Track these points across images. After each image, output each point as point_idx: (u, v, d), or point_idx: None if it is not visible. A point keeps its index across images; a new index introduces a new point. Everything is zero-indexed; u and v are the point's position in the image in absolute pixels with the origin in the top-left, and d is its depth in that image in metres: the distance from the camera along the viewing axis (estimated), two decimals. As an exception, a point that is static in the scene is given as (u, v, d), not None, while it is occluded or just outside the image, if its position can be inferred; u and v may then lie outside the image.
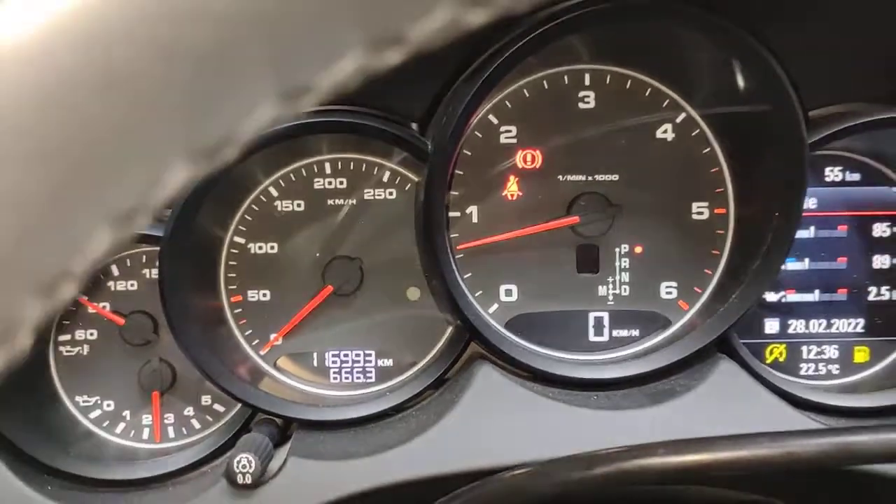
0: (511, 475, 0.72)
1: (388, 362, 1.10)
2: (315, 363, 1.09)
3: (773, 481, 0.94)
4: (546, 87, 1.06)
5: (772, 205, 1.01)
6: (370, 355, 1.09)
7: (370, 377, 1.09)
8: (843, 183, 1.10)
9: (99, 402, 1.04)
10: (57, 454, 0.95)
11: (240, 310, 1.08)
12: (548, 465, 0.70)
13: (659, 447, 0.66)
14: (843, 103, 1.00)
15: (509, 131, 1.07)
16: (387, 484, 0.90)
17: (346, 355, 1.10)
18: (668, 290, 1.09)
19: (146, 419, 1.05)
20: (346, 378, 1.10)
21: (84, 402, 1.04)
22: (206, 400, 1.06)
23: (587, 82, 1.06)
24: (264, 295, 1.08)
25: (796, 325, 1.12)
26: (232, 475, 0.87)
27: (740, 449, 0.64)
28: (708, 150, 1.07)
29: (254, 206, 1.07)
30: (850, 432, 0.63)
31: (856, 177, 1.10)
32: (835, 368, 1.12)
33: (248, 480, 0.87)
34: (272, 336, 1.08)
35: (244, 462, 0.86)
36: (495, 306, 1.08)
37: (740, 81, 1.00)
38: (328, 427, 1.01)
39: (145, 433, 1.05)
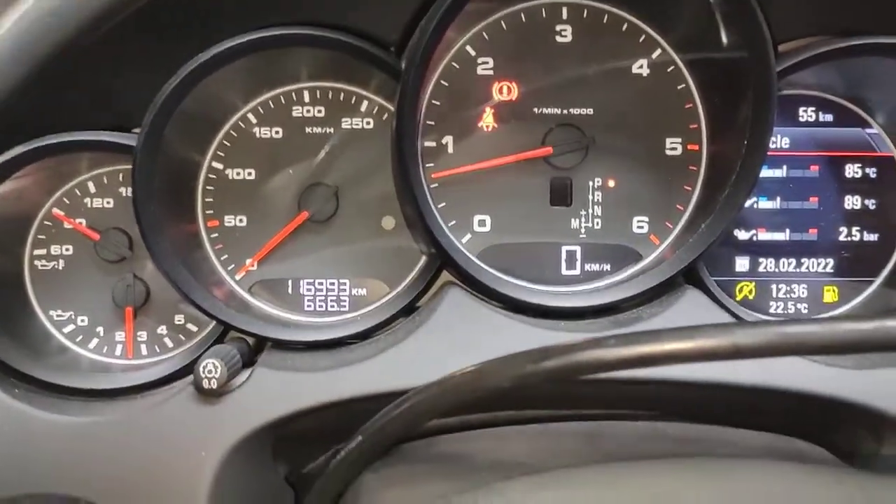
0: (466, 371, 0.73)
1: (362, 291, 1.11)
2: (290, 290, 1.10)
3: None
4: (523, 19, 1.07)
5: (742, 141, 1.01)
6: (344, 284, 1.11)
7: (344, 306, 1.11)
8: (816, 123, 1.11)
9: (73, 316, 1.06)
10: (28, 361, 0.96)
11: (216, 234, 1.09)
12: (500, 360, 0.71)
13: (610, 339, 0.67)
14: (813, 37, 1.00)
15: (486, 63, 1.08)
16: (351, 396, 0.91)
17: (320, 283, 1.11)
18: (639, 224, 1.10)
19: (119, 335, 1.06)
20: (321, 306, 1.11)
21: (58, 316, 1.06)
22: (178, 319, 1.07)
23: (564, 16, 1.07)
24: (241, 220, 1.09)
25: (766, 264, 1.13)
26: (198, 380, 0.88)
27: (687, 340, 0.65)
28: (682, 86, 1.08)
29: (232, 132, 1.08)
30: (795, 323, 0.64)
31: (829, 118, 1.11)
32: (804, 307, 1.13)
33: (214, 385, 0.88)
34: (247, 261, 1.10)
35: (210, 367, 0.88)
36: (468, 236, 1.09)
37: (715, 17, 1.01)
38: (298, 348, 1.02)
39: (118, 349, 1.06)
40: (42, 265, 1.05)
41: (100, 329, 1.06)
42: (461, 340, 0.95)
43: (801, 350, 0.65)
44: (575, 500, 0.51)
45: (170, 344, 1.07)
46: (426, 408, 0.74)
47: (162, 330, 1.07)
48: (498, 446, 0.81)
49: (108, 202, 1.05)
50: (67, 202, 1.05)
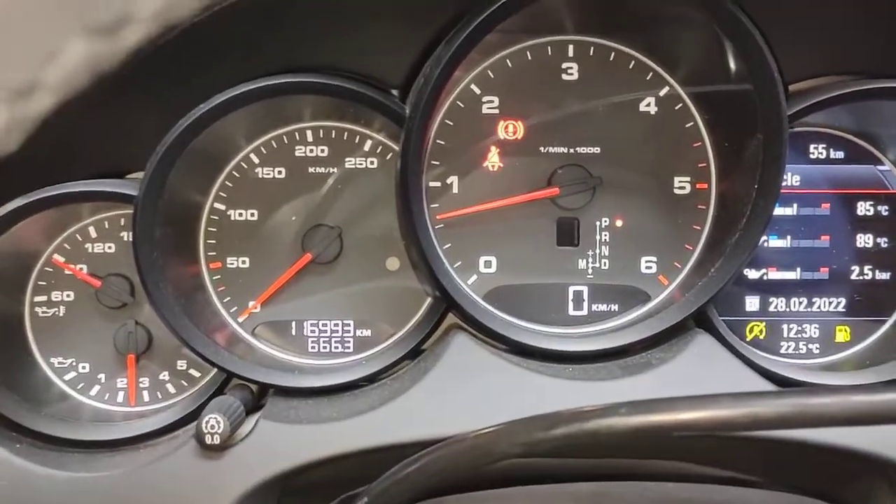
0: (473, 435, 0.71)
1: (367, 332, 1.09)
2: (293, 332, 1.09)
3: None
4: (529, 57, 1.06)
5: (752, 180, 1.00)
6: (349, 325, 1.09)
7: (348, 347, 1.09)
8: (827, 160, 1.09)
9: (74, 363, 1.05)
10: (29, 414, 0.95)
11: (218, 276, 1.08)
12: (510, 425, 0.69)
13: (621, 406, 0.66)
14: (824, 76, 0.99)
15: (491, 101, 1.06)
16: (357, 449, 0.90)
17: (324, 325, 1.09)
18: (647, 264, 1.08)
19: (121, 382, 1.05)
20: (325, 348, 1.09)
21: (59, 363, 1.04)
22: (181, 364, 1.06)
23: (571, 53, 1.06)
24: (243, 262, 1.08)
25: (777, 304, 1.11)
26: (200, 435, 0.87)
27: (701, 409, 0.64)
28: (691, 124, 1.06)
29: (234, 173, 1.07)
30: (812, 393, 0.63)
31: (840, 154, 1.09)
32: (815, 347, 1.11)
33: (217, 441, 0.87)
34: (251, 303, 1.08)
35: (213, 422, 0.86)
36: (474, 277, 1.08)
37: (724, 56, 0.99)
38: (302, 394, 1.01)
39: (120, 396, 1.05)
40: (43, 312, 1.04)
41: (101, 376, 1.05)
42: (466, 390, 0.93)
43: (819, 421, 0.63)
44: None
45: (172, 390, 1.05)
46: (432, 472, 0.73)
47: (164, 376, 1.05)
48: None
49: (109, 247, 1.04)
50: (68, 248, 1.03)
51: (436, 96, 0.94)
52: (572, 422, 0.67)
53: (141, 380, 1.05)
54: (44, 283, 1.04)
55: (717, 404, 0.64)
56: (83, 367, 1.05)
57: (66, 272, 1.03)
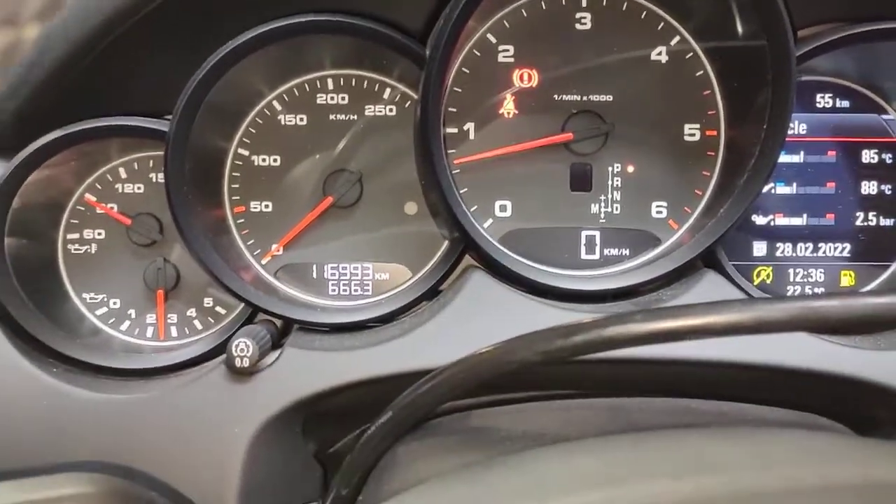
0: (497, 346, 0.74)
1: (385, 276, 1.13)
2: (314, 275, 1.13)
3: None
4: (544, 7, 1.09)
5: (760, 125, 1.03)
6: (367, 268, 1.13)
7: (367, 290, 1.13)
8: (833, 109, 1.13)
9: (105, 299, 1.08)
10: (64, 341, 0.99)
11: (242, 220, 1.11)
12: (530, 334, 0.73)
13: (637, 313, 0.69)
14: (832, 23, 1.02)
15: (507, 50, 1.09)
16: (380, 375, 0.93)
17: (344, 268, 1.13)
18: (658, 209, 1.12)
19: (150, 318, 1.09)
20: (344, 290, 1.13)
21: (91, 298, 1.08)
22: (208, 302, 1.09)
23: (584, 3, 1.09)
24: (266, 206, 1.11)
25: (784, 249, 1.14)
26: (230, 359, 0.90)
27: (713, 314, 0.67)
28: (701, 73, 1.09)
29: (258, 120, 1.10)
30: (820, 298, 0.66)
31: (846, 104, 1.13)
32: (820, 291, 1.15)
33: (246, 364, 0.90)
34: (273, 246, 1.12)
35: (242, 346, 0.90)
36: (490, 221, 1.11)
37: (734, 3, 1.02)
38: (325, 330, 1.04)
39: (149, 331, 1.09)
40: (75, 249, 1.07)
41: (131, 311, 1.09)
42: (485, 321, 0.97)
43: (825, 323, 0.67)
44: (609, 465, 0.53)
45: (199, 326, 1.09)
46: (456, 382, 0.76)
47: (192, 312, 1.09)
48: (525, 419, 0.83)
49: (138, 188, 1.08)
50: (99, 188, 1.07)
51: (456, 35, 0.97)
52: (591, 329, 0.70)
53: (169, 316, 1.09)
54: (76, 221, 1.07)
55: (728, 308, 0.68)
56: (114, 303, 1.09)
57: (98, 211, 1.07)
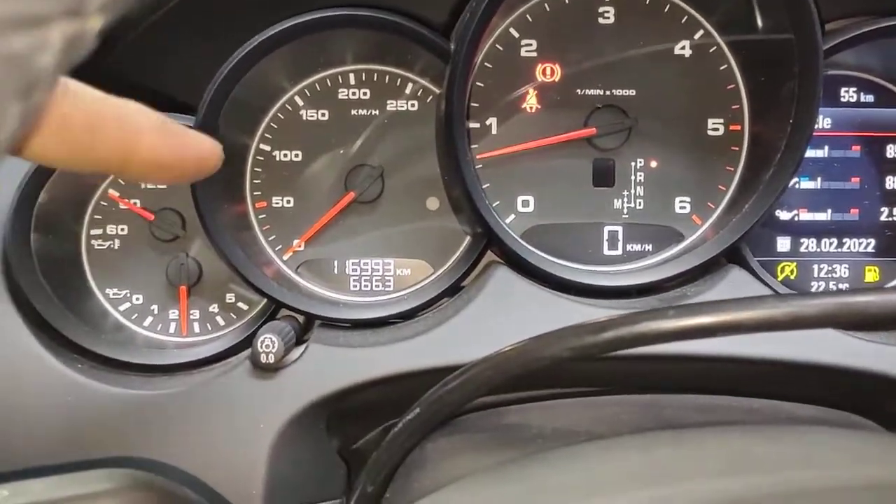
0: (526, 342, 0.74)
1: (406, 271, 1.12)
2: (335, 270, 1.12)
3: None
4: (566, 1, 1.08)
5: (786, 119, 1.02)
6: (389, 264, 1.12)
7: (388, 286, 1.12)
8: (857, 104, 1.12)
9: (128, 294, 1.08)
10: (88, 336, 0.99)
11: (264, 215, 1.11)
12: (560, 330, 0.72)
13: (669, 309, 0.69)
14: (859, 16, 1.01)
15: (530, 45, 1.09)
16: (404, 371, 0.93)
17: (365, 263, 1.12)
18: (681, 204, 1.11)
19: (173, 313, 1.09)
20: (365, 286, 1.13)
21: (114, 294, 1.08)
22: (230, 298, 1.09)
23: (608, -3, 1.08)
24: (288, 202, 1.11)
25: (808, 244, 1.14)
26: (256, 355, 0.90)
27: (746, 309, 0.66)
28: (725, 67, 1.09)
29: (279, 115, 1.10)
30: (854, 293, 0.65)
31: (870, 98, 1.12)
32: (845, 287, 1.14)
33: (271, 360, 0.90)
34: (295, 242, 1.12)
35: (267, 342, 0.90)
36: (512, 217, 1.11)
37: (761, 3, 1.02)
38: (347, 326, 1.04)
39: (172, 327, 1.09)
40: (98, 245, 1.07)
41: (154, 307, 1.09)
42: (509, 317, 0.96)
43: (860, 319, 0.66)
44: (654, 463, 0.53)
45: (221, 322, 1.09)
46: (486, 378, 0.76)
47: (214, 308, 1.09)
48: (556, 416, 0.83)
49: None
50: (122, 183, 1.07)
51: (481, 30, 0.97)
52: (622, 325, 0.70)
53: (192, 312, 1.08)
54: (99, 216, 1.07)
55: (761, 304, 0.67)
56: (137, 299, 1.09)
57: (121, 206, 1.07)
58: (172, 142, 0.50)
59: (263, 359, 0.90)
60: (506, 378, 0.75)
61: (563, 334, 0.73)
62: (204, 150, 0.53)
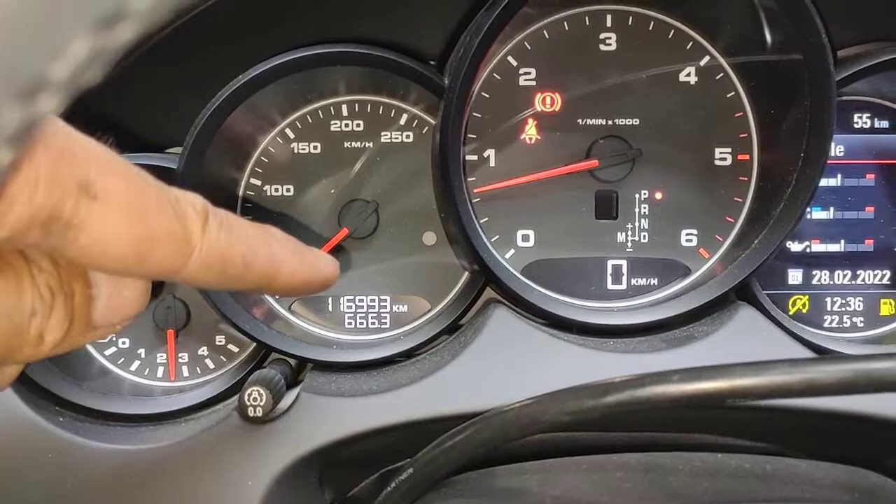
0: (521, 404, 0.70)
1: (403, 308, 1.09)
2: (330, 308, 1.09)
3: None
4: (566, 28, 1.04)
5: (797, 149, 0.98)
6: (385, 301, 1.09)
7: (385, 323, 1.09)
8: (871, 130, 1.07)
9: (114, 339, 1.05)
10: (71, 388, 0.96)
11: (255, 252, 1.07)
12: (559, 393, 0.68)
13: (674, 373, 0.65)
14: (871, 43, 0.97)
15: (528, 73, 1.05)
16: (399, 422, 0.89)
17: (360, 300, 1.09)
18: (688, 237, 1.07)
19: (160, 357, 1.05)
20: (361, 323, 1.09)
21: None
22: (219, 340, 1.06)
23: (609, 24, 1.04)
24: (279, 238, 1.07)
25: (821, 276, 1.09)
26: (243, 408, 0.87)
27: (757, 375, 0.62)
28: (732, 94, 1.04)
29: (270, 148, 1.06)
30: (873, 359, 0.61)
31: (885, 124, 1.07)
32: (860, 321, 1.09)
33: (259, 413, 0.86)
34: (287, 279, 1.08)
35: (255, 395, 0.86)
36: (512, 252, 1.07)
37: (767, 24, 0.97)
38: (341, 369, 1.00)
39: (160, 371, 1.05)
40: (83, 288, 1.04)
41: (141, 351, 1.05)
42: (508, 362, 0.92)
43: (879, 386, 0.62)
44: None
45: (211, 365, 1.05)
46: (482, 440, 0.72)
47: (203, 351, 1.05)
48: (555, 480, 0.79)
49: (147, 223, 1.04)
50: (106, 223, 1.04)
51: (476, 65, 0.93)
52: (624, 389, 0.66)
53: (180, 355, 1.05)
54: (84, 260, 1.04)
55: (773, 370, 0.63)
56: (123, 343, 1.05)
57: (105, 249, 1.03)
58: (306, 268, 0.55)
59: (251, 412, 0.86)
60: (502, 442, 0.72)
61: (563, 396, 0.69)
62: (329, 270, 0.58)
